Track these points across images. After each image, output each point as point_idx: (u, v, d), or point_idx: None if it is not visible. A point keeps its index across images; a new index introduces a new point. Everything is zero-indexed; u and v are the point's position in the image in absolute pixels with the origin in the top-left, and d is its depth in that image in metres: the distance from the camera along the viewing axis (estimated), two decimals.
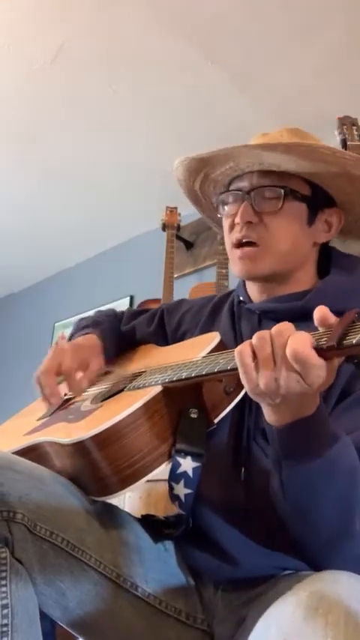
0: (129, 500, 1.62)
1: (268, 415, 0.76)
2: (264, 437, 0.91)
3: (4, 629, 0.78)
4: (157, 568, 0.92)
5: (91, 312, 1.40)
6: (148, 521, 0.98)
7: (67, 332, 1.38)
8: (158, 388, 0.88)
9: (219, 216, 1.11)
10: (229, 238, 1.06)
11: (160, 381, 0.88)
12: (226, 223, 1.08)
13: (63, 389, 1.13)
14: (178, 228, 2.97)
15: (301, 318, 0.95)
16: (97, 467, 0.85)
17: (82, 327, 1.29)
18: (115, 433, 0.83)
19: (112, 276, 3.64)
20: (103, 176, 3.08)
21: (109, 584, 0.87)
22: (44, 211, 3.41)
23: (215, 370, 0.80)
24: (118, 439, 0.83)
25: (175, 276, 2.87)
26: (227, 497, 0.93)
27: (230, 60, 2.31)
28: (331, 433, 0.76)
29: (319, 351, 0.67)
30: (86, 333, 1.22)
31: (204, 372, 0.82)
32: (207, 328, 1.13)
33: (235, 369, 0.74)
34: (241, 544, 0.90)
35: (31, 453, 0.99)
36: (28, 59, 2.38)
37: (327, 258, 1.09)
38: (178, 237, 3.03)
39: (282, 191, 1.01)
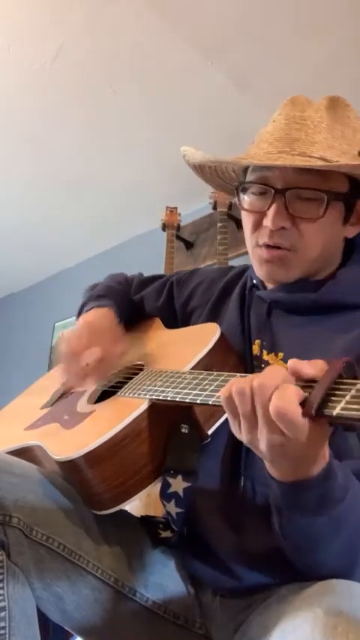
0: None
1: (267, 466, 0.68)
2: None
3: (2, 632, 0.77)
4: (156, 571, 0.91)
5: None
6: (147, 523, 0.97)
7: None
8: (146, 404, 0.84)
9: (238, 205, 0.96)
10: (253, 237, 0.94)
11: (147, 395, 0.85)
12: (248, 219, 0.95)
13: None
14: (178, 228, 2.96)
15: (314, 311, 0.93)
16: (88, 484, 0.84)
17: (95, 297, 1.19)
18: (104, 452, 0.81)
19: None
20: (103, 176, 3.07)
21: (107, 589, 0.86)
22: (44, 211, 3.40)
23: (197, 401, 0.75)
24: (106, 458, 0.81)
25: None
26: (225, 507, 0.89)
27: (230, 60, 2.31)
28: (338, 492, 0.68)
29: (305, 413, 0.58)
30: (101, 305, 1.13)
31: (187, 400, 0.77)
32: (215, 312, 1.07)
33: (218, 405, 0.68)
34: (239, 557, 0.86)
35: (27, 453, 0.99)
36: (28, 59, 2.37)
37: (351, 243, 0.99)
38: (178, 237, 3.01)
39: (325, 196, 0.86)
